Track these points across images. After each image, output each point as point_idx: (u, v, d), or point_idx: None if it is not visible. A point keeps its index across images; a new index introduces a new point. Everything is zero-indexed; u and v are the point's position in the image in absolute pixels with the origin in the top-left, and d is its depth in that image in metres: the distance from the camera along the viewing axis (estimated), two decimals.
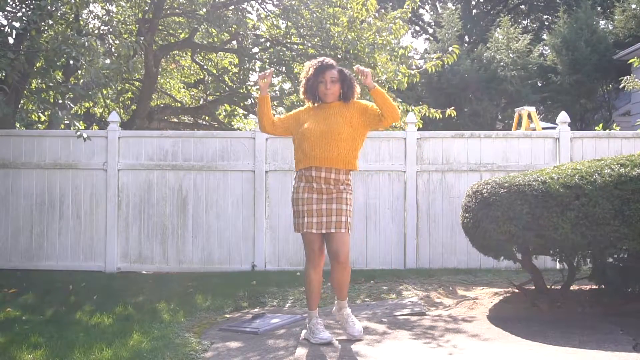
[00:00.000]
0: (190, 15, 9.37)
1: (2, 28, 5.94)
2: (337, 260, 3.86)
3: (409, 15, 8.74)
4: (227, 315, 5.05)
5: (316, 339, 3.87)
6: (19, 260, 7.00)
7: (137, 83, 10.79)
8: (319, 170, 3.84)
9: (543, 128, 10.15)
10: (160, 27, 9.87)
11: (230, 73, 10.79)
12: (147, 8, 8.77)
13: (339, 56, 8.09)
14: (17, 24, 5.76)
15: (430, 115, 8.22)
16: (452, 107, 8.30)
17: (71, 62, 6.20)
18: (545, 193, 4.22)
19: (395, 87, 8.03)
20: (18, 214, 7.03)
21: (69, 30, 6.71)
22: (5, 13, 6.19)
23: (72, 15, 7.10)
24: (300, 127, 3.95)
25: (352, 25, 8.03)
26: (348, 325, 3.97)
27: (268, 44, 9.41)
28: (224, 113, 12.16)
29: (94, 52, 5.74)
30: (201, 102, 12.04)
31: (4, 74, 5.94)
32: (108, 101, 10.97)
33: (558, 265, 5.86)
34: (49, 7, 5.76)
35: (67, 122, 6.10)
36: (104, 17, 8.44)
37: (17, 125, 8.12)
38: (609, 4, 19.37)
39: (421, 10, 26.59)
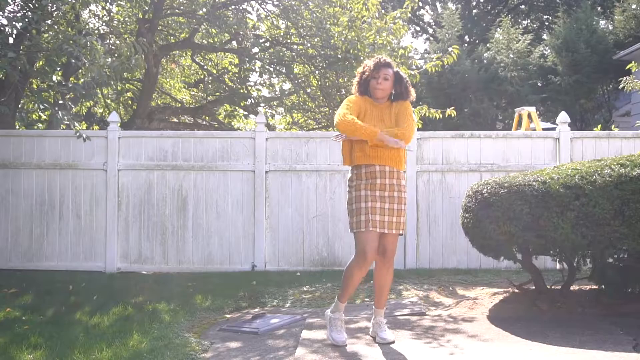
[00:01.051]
0: (190, 15, 9.37)
1: (3, 28, 5.94)
2: (385, 259, 3.86)
3: (409, 15, 8.74)
4: (227, 316, 5.05)
5: (331, 338, 3.86)
6: (19, 260, 7.00)
7: (137, 83, 10.79)
8: (383, 167, 3.82)
9: (543, 128, 10.15)
10: (160, 27, 9.87)
11: (230, 73, 10.80)
12: (147, 8, 8.76)
13: (339, 56, 8.09)
14: (17, 24, 5.76)
15: (430, 116, 8.21)
16: (452, 107, 8.28)
17: (72, 61, 6.20)
18: (545, 193, 4.23)
19: None
20: (18, 214, 7.03)
21: (69, 30, 6.71)
22: (6, 13, 6.18)
23: (73, 15, 7.11)
24: (361, 115, 3.91)
25: (352, 25, 8.03)
26: (380, 330, 3.95)
27: (268, 44, 9.41)
28: (224, 113, 12.17)
29: (95, 52, 5.73)
30: (201, 102, 12.04)
31: (4, 73, 5.93)
32: (108, 101, 10.98)
33: (558, 266, 5.86)
34: (49, 7, 5.76)
35: (67, 122, 6.09)
36: (105, 17, 8.45)
37: (17, 125, 8.12)
38: (609, 4, 19.37)
39: (421, 11, 26.60)
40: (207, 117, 11.83)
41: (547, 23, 24.67)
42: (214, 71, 11.02)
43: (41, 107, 5.91)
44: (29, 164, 7.06)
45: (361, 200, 3.80)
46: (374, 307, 4.03)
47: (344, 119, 3.79)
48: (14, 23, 5.73)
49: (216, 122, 11.87)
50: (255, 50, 9.26)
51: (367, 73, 3.96)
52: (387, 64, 3.94)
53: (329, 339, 3.88)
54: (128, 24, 9.38)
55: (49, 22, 6.85)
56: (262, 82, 10.69)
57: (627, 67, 8.37)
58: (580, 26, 16.55)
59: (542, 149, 6.96)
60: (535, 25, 25.55)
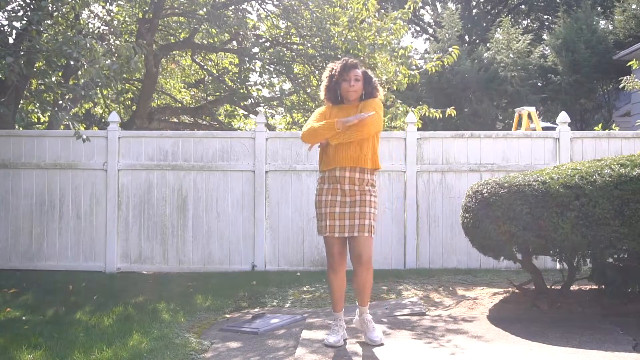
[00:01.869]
0: (190, 15, 9.37)
1: (2, 28, 5.94)
2: (359, 263, 3.82)
3: (410, 16, 8.74)
4: (227, 316, 5.05)
5: (326, 340, 3.89)
6: (19, 260, 7.00)
7: (137, 83, 10.79)
8: (343, 170, 3.82)
9: (543, 128, 10.16)
10: (160, 27, 9.87)
11: (230, 73, 10.79)
12: (147, 8, 8.77)
13: (339, 56, 8.08)
14: (17, 24, 5.76)
15: (430, 115, 8.22)
16: (452, 107, 8.29)
17: (71, 62, 6.20)
18: (545, 193, 4.22)
19: (395, 88, 8.03)
20: (18, 214, 7.03)
21: (69, 30, 6.71)
22: (5, 13, 6.19)
23: (73, 15, 7.11)
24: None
25: (352, 25, 8.03)
26: (368, 330, 3.93)
27: (268, 44, 9.41)
28: (224, 113, 12.17)
29: (94, 53, 5.73)
30: (201, 102, 12.04)
31: (3, 74, 5.93)
32: (108, 101, 10.98)
33: (558, 266, 5.86)
34: (49, 7, 5.76)
35: (67, 122, 6.10)
36: (105, 17, 8.45)
37: (17, 125, 8.12)
38: (609, 4, 19.37)
39: (421, 11, 26.59)
40: (207, 117, 11.83)
41: (547, 23, 24.67)
42: (214, 71, 11.02)
43: (41, 108, 5.91)
44: (29, 164, 7.06)
45: (322, 205, 3.85)
46: (357, 304, 4.02)
47: (306, 130, 3.89)
48: (13, 23, 5.73)
49: (216, 122, 11.86)
50: (256, 50, 9.26)
51: (335, 76, 3.92)
52: (354, 65, 3.92)
53: (325, 340, 3.91)
54: (128, 23, 9.38)
55: (49, 22, 6.84)
56: (262, 82, 10.69)
57: (628, 64, 8.38)
58: (581, 26, 16.56)
59: (542, 149, 6.96)
60: (535, 25, 25.55)
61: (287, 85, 10.89)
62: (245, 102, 10.45)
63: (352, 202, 3.80)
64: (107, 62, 6.00)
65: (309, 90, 9.65)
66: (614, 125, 13.01)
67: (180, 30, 10.41)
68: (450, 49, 7.94)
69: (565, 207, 4.16)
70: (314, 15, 8.44)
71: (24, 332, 4.40)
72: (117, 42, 7.19)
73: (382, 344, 3.86)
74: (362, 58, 7.72)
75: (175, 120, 12.00)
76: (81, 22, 7.32)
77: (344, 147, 3.83)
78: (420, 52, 21.05)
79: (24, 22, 5.81)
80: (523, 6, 25.72)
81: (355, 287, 3.96)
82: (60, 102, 6.68)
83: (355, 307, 4.19)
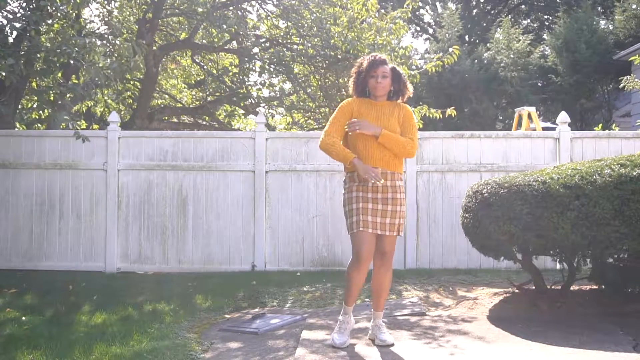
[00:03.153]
0: (190, 15, 9.37)
1: (2, 28, 5.93)
2: (382, 261, 3.81)
3: (409, 15, 8.74)
4: (227, 316, 5.05)
5: (331, 339, 3.84)
6: (19, 260, 7.00)
7: (137, 83, 10.79)
8: (376, 169, 3.74)
9: (543, 128, 10.16)
10: (160, 27, 9.87)
11: (231, 73, 10.79)
12: (147, 8, 8.77)
13: (339, 56, 8.09)
14: (17, 24, 5.76)
15: (430, 115, 8.21)
16: (452, 107, 8.28)
17: (71, 62, 6.20)
18: (545, 193, 4.22)
19: None
20: (18, 214, 7.03)
21: (69, 30, 6.71)
22: (5, 13, 6.19)
23: (73, 15, 7.10)
24: (353, 116, 3.85)
25: (352, 25, 8.03)
26: (379, 332, 3.87)
27: (268, 44, 9.41)
28: (224, 113, 12.17)
29: (94, 53, 5.74)
30: (201, 102, 12.04)
31: (3, 75, 5.94)
32: (108, 101, 10.98)
33: (558, 266, 5.86)
34: (49, 7, 5.76)
35: (67, 122, 6.10)
36: (105, 17, 8.45)
37: (17, 125, 8.12)
38: (609, 4, 19.37)
39: (421, 11, 26.59)
40: (207, 117, 11.83)
41: (547, 23, 24.67)
42: (214, 71, 11.02)
43: (40, 106, 5.91)
44: (29, 164, 7.06)
45: (353, 201, 3.76)
46: (372, 309, 3.97)
47: (324, 141, 3.84)
48: (13, 23, 5.73)
49: (216, 122, 11.87)
50: (255, 50, 9.26)
51: (363, 73, 3.85)
52: (383, 61, 3.83)
53: (330, 339, 3.86)
54: (128, 23, 9.38)
55: (49, 22, 6.84)
56: (262, 82, 10.70)
57: (630, 59, 8.38)
58: (581, 26, 16.55)
59: (542, 149, 6.96)
60: (535, 25, 25.55)
61: (287, 85, 10.90)
62: (245, 102, 10.45)
63: (383, 199, 3.74)
64: (107, 62, 6.00)
65: (309, 90, 9.65)
66: (614, 125, 13.01)
67: (180, 30, 10.41)
68: (450, 49, 7.94)
69: (566, 207, 4.16)
70: (314, 15, 8.44)
71: (24, 332, 4.40)
72: (117, 42, 7.18)
73: (393, 344, 3.82)
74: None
75: (175, 120, 12.00)
76: (81, 22, 7.31)
77: (377, 146, 3.76)
78: (420, 52, 21.07)
79: (23, 22, 5.80)
80: (523, 6, 25.73)
81: (374, 288, 3.91)
82: (60, 101, 6.68)
83: (354, 309, 4.18)
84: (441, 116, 8.22)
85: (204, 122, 12.05)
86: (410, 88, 3.94)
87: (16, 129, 7.82)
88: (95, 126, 10.94)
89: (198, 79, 12.02)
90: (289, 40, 9.31)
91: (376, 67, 3.82)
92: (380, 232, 3.73)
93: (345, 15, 8.21)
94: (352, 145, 3.83)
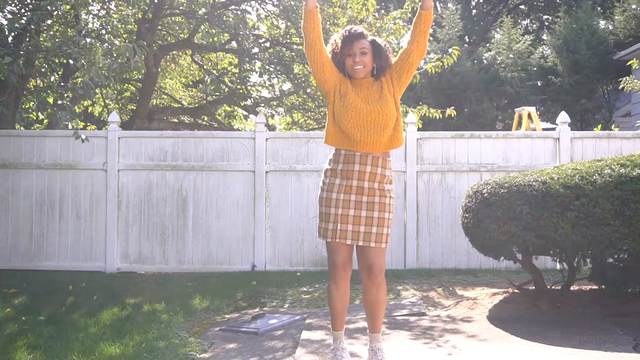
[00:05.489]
0: (190, 15, 9.37)
1: (2, 28, 5.93)
2: (370, 277, 3.20)
3: (409, 15, 8.74)
4: (227, 316, 5.05)
5: None
6: (19, 260, 6.99)
7: (137, 83, 10.79)
8: (365, 162, 3.19)
9: (543, 128, 10.15)
10: (160, 27, 9.87)
11: (230, 73, 10.80)
12: (147, 8, 8.76)
13: None
14: (16, 24, 5.75)
15: (430, 116, 8.21)
16: (452, 108, 8.28)
17: (71, 62, 6.20)
18: (545, 193, 4.22)
19: None
20: (18, 215, 7.03)
21: (69, 30, 6.70)
22: (5, 13, 6.19)
23: (73, 15, 7.10)
24: (341, 90, 3.24)
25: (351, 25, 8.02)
26: (376, 357, 3.25)
27: (268, 44, 9.41)
28: (223, 113, 12.16)
29: (94, 53, 5.73)
30: (201, 102, 12.04)
31: (3, 75, 5.94)
32: (108, 101, 10.98)
33: (558, 266, 5.86)
34: (48, 7, 5.76)
35: (66, 122, 6.09)
36: (104, 17, 8.44)
37: (17, 125, 8.11)
38: (609, 4, 19.37)
39: None
40: (206, 118, 11.83)
41: (547, 23, 24.67)
42: (214, 71, 11.02)
43: (39, 107, 5.90)
44: (29, 164, 7.06)
45: (332, 204, 3.20)
46: (368, 331, 3.35)
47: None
48: (13, 23, 5.73)
49: (216, 122, 11.87)
50: (255, 50, 9.26)
51: (338, 52, 3.25)
52: (360, 35, 3.22)
53: None
54: (127, 24, 9.37)
55: (48, 22, 6.84)
56: (262, 82, 10.70)
57: (628, 63, 8.38)
58: (581, 26, 16.55)
59: (542, 149, 6.96)
60: (535, 26, 25.54)
61: (287, 86, 10.90)
62: (245, 103, 10.45)
63: (369, 204, 3.17)
64: (106, 62, 5.99)
65: (308, 90, 9.65)
66: (613, 125, 13.01)
67: (180, 31, 10.41)
68: (450, 50, 7.94)
69: (566, 207, 4.16)
70: None
71: (23, 332, 4.39)
72: (117, 42, 7.18)
73: None
74: None
75: (175, 120, 12.00)
76: (81, 22, 7.31)
77: (369, 128, 3.18)
78: None
79: (22, 21, 5.80)
80: (523, 6, 25.72)
81: (365, 308, 3.32)
82: (60, 101, 6.68)
83: (353, 309, 4.17)
84: (441, 116, 8.22)
85: (204, 123, 12.05)
86: (392, 59, 3.35)
87: (16, 129, 7.81)
88: (93, 126, 10.95)
89: (198, 79, 12.02)
90: (288, 40, 9.31)
91: (351, 42, 3.22)
92: (362, 243, 3.16)
93: (344, 16, 8.21)
94: (337, 116, 3.21)
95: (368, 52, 3.23)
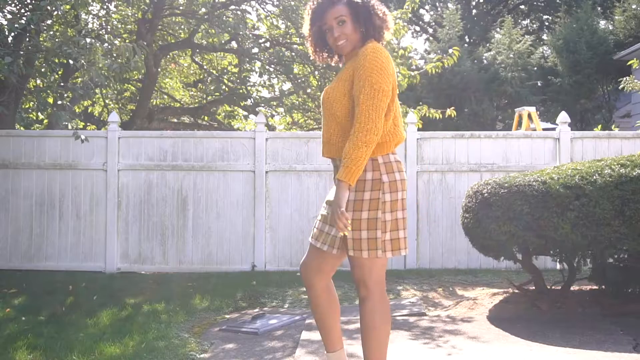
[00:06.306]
0: (190, 15, 9.37)
1: (2, 28, 5.93)
2: (359, 291, 2.65)
3: (409, 15, 8.74)
4: (227, 316, 5.05)
5: None
6: (18, 260, 6.99)
7: (136, 83, 10.79)
8: (334, 160, 2.66)
9: (543, 128, 10.15)
10: (160, 27, 9.87)
11: (230, 73, 10.79)
12: (147, 8, 8.76)
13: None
14: (16, 25, 5.75)
15: (430, 116, 8.21)
16: (452, 108, 8.28)
17: (71, 62, 6.20)
18: (545, 193, 4.22)
19: None
20: (18, 215, 7.03)
21: (69, 30, 6.70)
22: (5, 13, 6.19)
23: (73, 15, 7.10)
24: None
25: None
26: None
27: (268, 44, 9.41)
28: (223, 113, 12.16)
29: (94, 54, 5.73)
30: (201, 102, 12.04)
31: (3, 75, 5.94)
32: (108, 101, 10.98)
33: (558, 266, 5.86)
34: (48, 7, 5.76)
35: (67, 122, 6.09)
36: (104, 17, 8.44)
37: (17, 125, 8.11)
38: (609, 4, 19.38)
39: (421, 11, 26.58)
40: (206, 118, 11.83)
41: (547, 23, 24.68)
42: (214, 71, 11.01)
43: (39, 107, 5.91)
44: (29, 164, 7.05)
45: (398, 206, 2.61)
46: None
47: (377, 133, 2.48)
48: (12, 23, 5.73)
49: (216, 122, 11.87)
50: (255, 50, 9.26)
51: (316, 33, 2.67)
52: (330, 1, 2.57)
53: None
54: (127, 24, 9.37)
55: (48, 22, 6.84)
56: (262, 82, 10.70)
57: (628, 63, 8.38)
58: (581, 26, 16.56)
59: (542, 149, 6.96)
60: (535, 26, 25.56)
61: (287, 86, 10.90)
62: (245, 103, 10.45)
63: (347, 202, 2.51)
64: (106, 62, 5.99)
65: (308, 90, 9.65)
66: (614, 125, 13.01)
67: (180, 31, 10.41)
68: (450, 50, 7.94)
69: (566, 207, 4.15)
70: None
71: (23, 332, 4.39)
72: (117, 42, 7.18)
73: None
74: None
75: (175, 120, 12.00)
76: (81, 22, 7.31)
77: (324, 126, 2.64)
78: (420, 52, 21.03)
79: (22, 22, 5.80)
80: (523, 6, 25.73)
81: (360, 326, 2.65)
82: (60, 101, 6.68)
83: (353, 309, 4.15)
84: (441, 116, 8.22)
85: (204, 122, 12.04)
86: (389, 21, 2.63)
87: (16, 129, 7.81)
88: (93, 126, 10.94)
89: (198, 78, 12.02)
90: (288, 41, 9.31)
91: (323, 13, 2.57)
92: (335, 251, 2.64)
93: None
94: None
95: (347, 19, 2.56)
